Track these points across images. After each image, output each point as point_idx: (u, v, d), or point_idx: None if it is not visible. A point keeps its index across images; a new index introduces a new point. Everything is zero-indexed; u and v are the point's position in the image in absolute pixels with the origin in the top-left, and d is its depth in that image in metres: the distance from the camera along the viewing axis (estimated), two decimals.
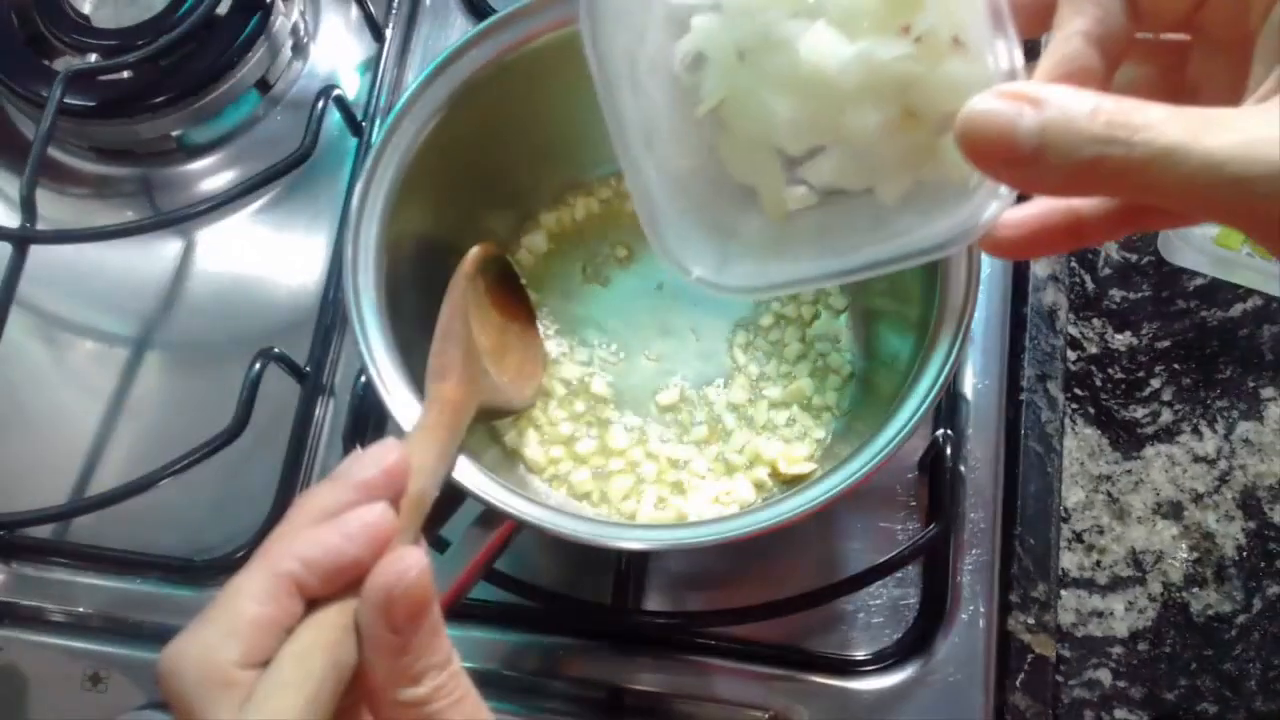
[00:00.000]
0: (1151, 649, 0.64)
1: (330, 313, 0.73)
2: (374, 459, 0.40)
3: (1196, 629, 0.64)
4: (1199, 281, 0.72)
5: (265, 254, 0.78)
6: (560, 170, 0.73)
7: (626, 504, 0.65)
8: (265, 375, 0.67)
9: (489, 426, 0.69)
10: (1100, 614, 0.65)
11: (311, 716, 0.33)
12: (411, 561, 0.36)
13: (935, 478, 0.66)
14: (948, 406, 0.68)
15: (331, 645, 0.35)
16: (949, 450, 0.66)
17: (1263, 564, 0.65)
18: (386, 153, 0.60)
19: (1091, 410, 0.70)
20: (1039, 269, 0.71)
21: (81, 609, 0.68)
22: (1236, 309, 0.71)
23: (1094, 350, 0.71)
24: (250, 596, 0.35)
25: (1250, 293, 0.71)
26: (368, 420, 0.70)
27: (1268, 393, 0.69)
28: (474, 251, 0.59)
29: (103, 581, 0.69)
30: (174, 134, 0.80)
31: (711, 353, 0.70)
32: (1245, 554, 0.66)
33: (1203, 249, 0.71)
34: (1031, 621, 0.64)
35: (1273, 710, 0.62)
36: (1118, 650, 0.64)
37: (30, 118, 0.80)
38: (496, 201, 0.71)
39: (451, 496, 0.55)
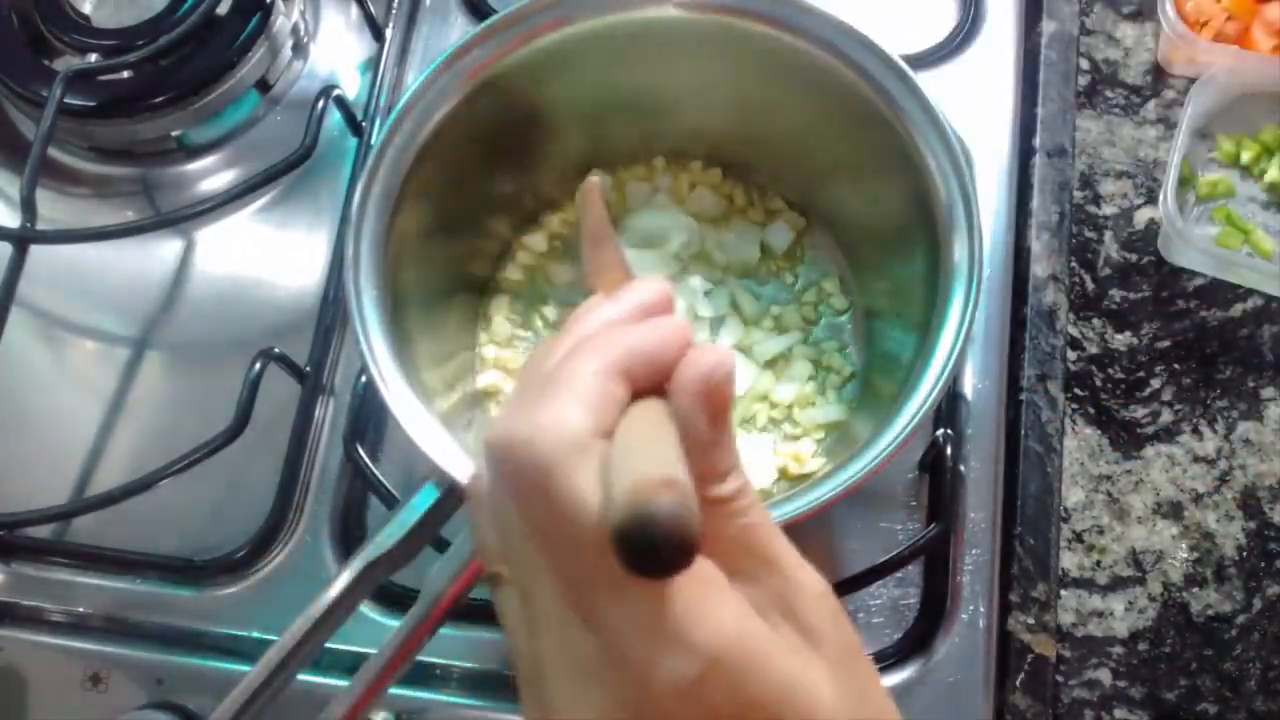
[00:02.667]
0: (1151, 649, 0.64)
1: (330, 313, 0.73)
2: (649, 288, 0.39)
3: (1196, 629, 0.64)
4: (1199, 281, 0.72)
5: (265, 254, 0.78)
6: (561, 170, 0.73)
7: None
8: (265, 375, 0.68)
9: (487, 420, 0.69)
10: (1100, 614, 0.65)
11: (683, 473, 0.32)
12: (723, 354, 0.34)
13: (936, 478, 0.66)
14: (948, 407, 0.68)
15: (668, 422, 0.34)
16: (949, 450, 0.66)
17: (1263, 564, 0.65)
18: (388, 153, 0.60)
19: (1091, 410, 0.70)
20: (1039, 269, 0.71)
21: (81, 609, 0.68)
22: (1236, 309, 0.71)
23: (1094, 350, 0.71)
24: (594, 373, 0.34)
25: (1250, 292, 0.71)
26: (368, 420, 0.70)
27: (1268, 393, 0.69)
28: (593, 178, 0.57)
29: (103, 581, 0.69)
30: (174, 134, 0.79)
31: None
32: (1245, 554, 0.66)
33: (1203, 249, 0.71)
34: (1031, 621, 0.64)
35: (1273, 710, 0.62)
36: (1118, 650, 0.64)
37: (30, 118, 0.80)
38: (497, 201, 0.71)
39: (453, 497, 0.55)
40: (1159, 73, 0.78)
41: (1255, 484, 0.67)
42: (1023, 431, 0.68)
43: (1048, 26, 0.78)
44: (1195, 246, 0.71)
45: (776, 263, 0.72)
